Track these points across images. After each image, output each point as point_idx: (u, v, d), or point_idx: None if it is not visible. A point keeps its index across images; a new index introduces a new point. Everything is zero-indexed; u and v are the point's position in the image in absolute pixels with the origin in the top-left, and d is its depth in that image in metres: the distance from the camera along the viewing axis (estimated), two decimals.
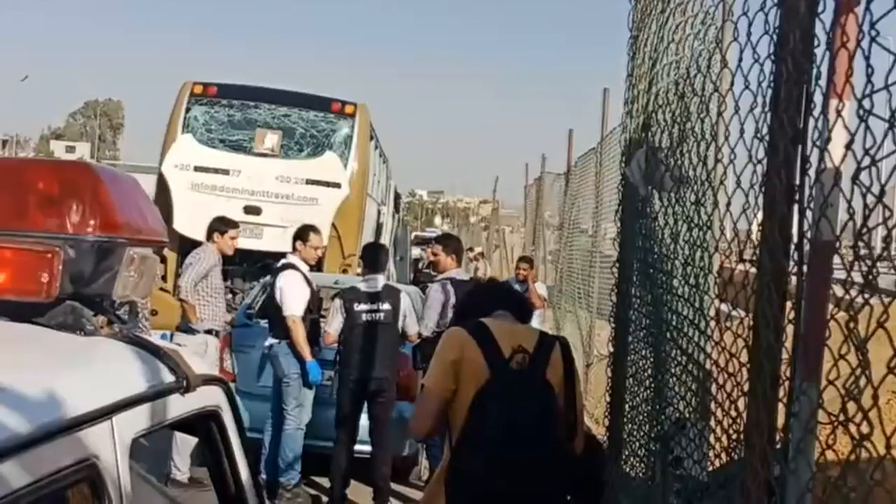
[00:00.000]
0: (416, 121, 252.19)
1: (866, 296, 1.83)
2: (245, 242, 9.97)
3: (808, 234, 2.23)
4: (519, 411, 3.80)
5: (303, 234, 8.21)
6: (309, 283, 7.99)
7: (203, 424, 2.40)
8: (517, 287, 13.12)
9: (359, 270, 8.85)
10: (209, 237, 8.33)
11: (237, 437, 2.51)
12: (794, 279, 2.28)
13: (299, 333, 7.69)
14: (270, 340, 7.94)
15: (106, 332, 2.25)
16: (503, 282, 4.91)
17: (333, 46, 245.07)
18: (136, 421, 1.96)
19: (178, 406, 2.17)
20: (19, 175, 2.35)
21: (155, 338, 2.86)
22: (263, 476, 7.72)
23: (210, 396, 2.36)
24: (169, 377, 2.15)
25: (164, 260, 11.90)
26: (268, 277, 8.74)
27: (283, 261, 8.21)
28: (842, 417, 1.86)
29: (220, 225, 8.41)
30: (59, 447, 1.68)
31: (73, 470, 1.71)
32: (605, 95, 11.80)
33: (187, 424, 2.31)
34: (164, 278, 12.26)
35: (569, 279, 15.05)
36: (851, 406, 1.82)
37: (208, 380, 2.34)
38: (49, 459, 1.65)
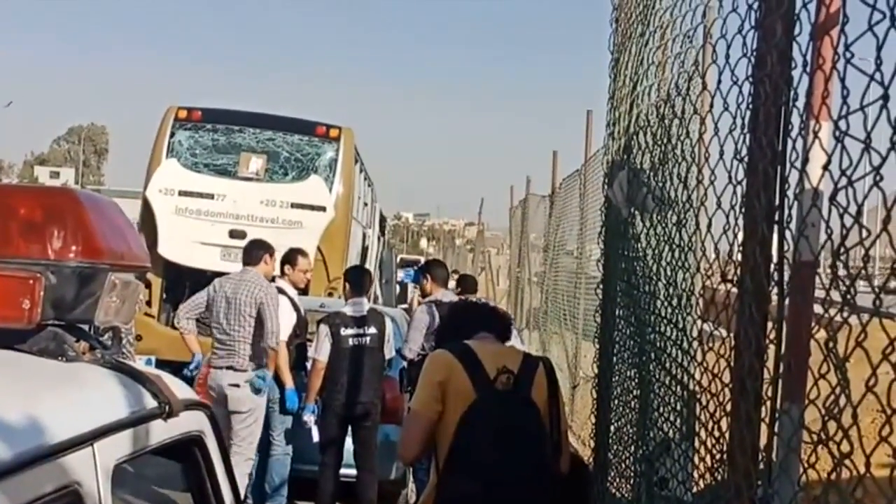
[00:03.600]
0: (401, 144, 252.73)
1: (845, 315, 1.84)
2: (231, 266, 9.93)
3: (789, 255, 2.25)
4: (505, 431, 3.81)
5: (291, 257, 8.20)
6: (296, 307, 7.98)
7: (186, 450, 2.39)
8: None
9: (343, 294, 8.82)
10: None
11: (221, 463, 2.50)
12: (774, 299, 2.29)
13: (282, 359, 7.67)
14: None
15: (88, 357, 2.24)
16: (483, 302, 4.84)
17: (317, 70, 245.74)
18: (118, 447, 1.95)
19: (161, 431, 2.17)
20: (1, 201, 2.34)
21: (139, 363, 2.86)
22: (249, 502, 7.68)
23: (193, 421, 2.36)
24: (151, 402, 2.14)
25: (148, 285, 11.92)
26: None
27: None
28: (823, 437, 1.87)
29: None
30: (40, 474, 1.67)
31: (55, 497, 1.70)
32: (588, 117, 11.86)
33: (170, 450, 2.30)
34: (148, 303, 12.22)
35: (554, 301, 15.07)
36: (832, 425, 1.83)
37: (191, 405, 2.33)
38: (30, 486, 1.64)
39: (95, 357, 2.26)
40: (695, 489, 3.29)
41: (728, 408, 2.47)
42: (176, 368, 7.39)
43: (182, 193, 12.33)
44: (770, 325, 2.28)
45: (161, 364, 9.23)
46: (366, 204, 16.76)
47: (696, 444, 3.11)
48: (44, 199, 2.36)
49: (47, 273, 2.19)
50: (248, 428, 7.39)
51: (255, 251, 7.81)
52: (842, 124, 1.80)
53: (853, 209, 1.78)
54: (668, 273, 3.49)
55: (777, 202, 2.25)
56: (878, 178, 1.69)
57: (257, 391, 7.37)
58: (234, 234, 12.14)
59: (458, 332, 4.17)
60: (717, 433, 2.69)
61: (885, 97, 1.67)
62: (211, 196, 12.39)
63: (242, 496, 7.41)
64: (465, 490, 3.76)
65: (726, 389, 2.51)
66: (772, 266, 2.28)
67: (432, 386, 3.86)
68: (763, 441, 2.28)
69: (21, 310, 2.16)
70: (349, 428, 7.74)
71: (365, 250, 16.83)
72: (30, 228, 2.24)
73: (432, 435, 3.87)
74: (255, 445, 7.51)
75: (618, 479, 4.57)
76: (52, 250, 2.21)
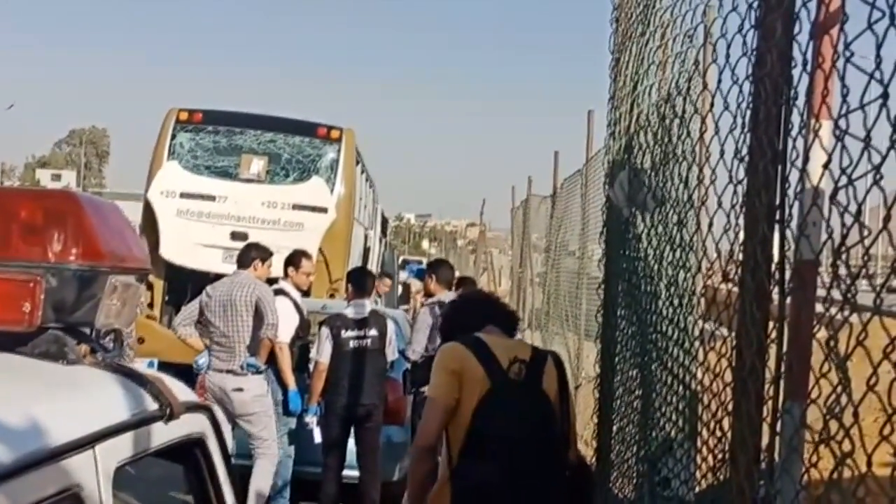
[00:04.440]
0: (403, 145, 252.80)
1: (846, 314, 1.84)
2: (232, 269, 9.94)
3: (790, 254, 2.25)
4: (521, 419, 3.81)
5: (294, 259, 8.20)
6: (299, 309, 7.98)
7: (188, 452, 2.39)
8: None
9: (344, 295, 8.81)
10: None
11: (223, 465, 2.50)
12: (776, 298, 2.29)
13: (285, 361, 7.67)
14: None
15: (89, 360, 2.24)
16: (492, 296, 4.77)
17: (319, 71, 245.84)
18: (119, 449, 1.95)
19: (163, 434, 2.17)
20: (1, 204, 2.34)
21: (140, 366, 2.85)
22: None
23: (195, 424, 2.36)
24: (152, 405, 2.14)
25: (150, 287, 11.92)
26: None
27: (274, 286, 8.18)
28: (824, 436, 1.86)
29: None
30: (41, 476, 1.67)
31: (56, 499, 1.70)
32: (589, 117, 11.84)
33: (172, 452, 2.30)
34: (150, 306, 12.22)
35: (556, 301, 15.05)
36: (834, 424, 1.82)
37: (192, 407, 2.33)
38: (31, 489, 1.64)
39: (96, 360, 2.26)
40: (697, 489, 3.29)
41: (730, 407, 2.47)
42: (178, 371, 7.34)
43: (183, 195, 12.34)
44: (771, 324, 2.28)
45: (163, 366, 9.22)
46: (367, 205, 16.77)
47: (698, 443, 3.11)
48: (44, 202, 2.36)
49: (48, 276, 2.19)
50: (264, 429, 7.41)
51: (247, 255, 7.84)
52: (842, 123, 1.80)
53: (853, 208, 1.78)
54: (670, 273, 3.49)
55: (778, 201, 2.25)
56: (878, 176, 1.69)
57: (244, 370, 7.40)
58: (235, 235, 12.15)
59: (465, 326, 4.16)
60: (718, 433, 2.68)
61: (885, 96, 1.67)
62: (212, 198, 12.40)
63: (268, 495, 7.45)
64: (483, 476, 3.74)
65: (728, 389, 2.50)
66: (773, 265, 2.28)
67: (448, 374, 3.87)
68: (765, 440, 2.28)
69: (22, 313, 2.16)
70: (352, 429, 7.74)
71: (367, 251, 16.84)
72: (30, 231, 2.24)
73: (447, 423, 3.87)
74: (276, 442, 7.52)
75: (620, 480, 4.57)
76: (52, 253, 2.21)
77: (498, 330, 4.16)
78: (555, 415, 3.94)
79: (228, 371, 7.41)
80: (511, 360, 3.89)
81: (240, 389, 7.38)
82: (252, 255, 7.81)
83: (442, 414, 3.87)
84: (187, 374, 7.60)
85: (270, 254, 7.95)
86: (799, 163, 2.20)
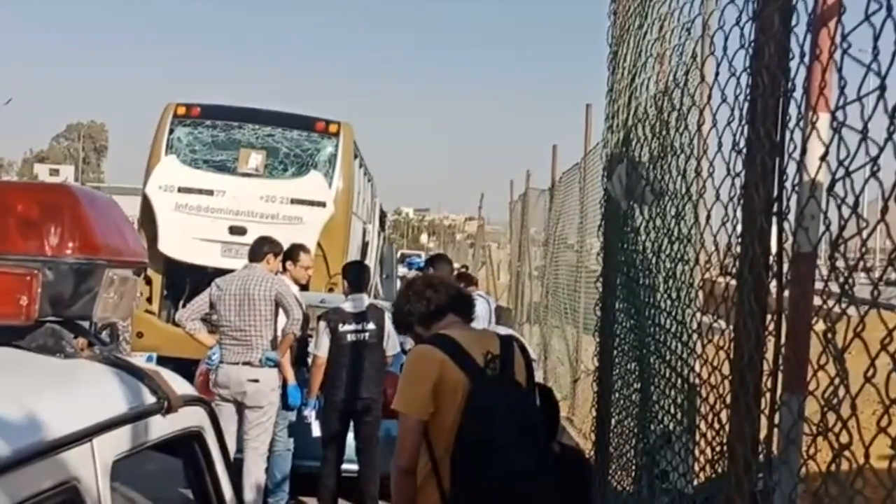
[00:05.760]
0: (401, 139, 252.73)
1: (843, 306, 1.84)
2: (231, 263, 9.94)
3: (788, 246, 2.24)
4: (511, 420, 3.76)
5: (293, 254, 8.19)
6: (298, 302, 7.98)
7: (185, 445, 2.39)
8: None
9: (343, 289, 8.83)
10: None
11: (221, 459, 2.50)
12: (774, 291, 2.29)
13: (285, 355, 7.67)
14: None
15: (86, 354, 2.25)
16: (443, 279, 4.35)
17: (317, 66, 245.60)
18: (116, 443, 1.96)
19: (160, 427, 2.17)
20: None
21: (138, 360, 2.86)
22: (270, 500, 7.70)
23: (192, 417, 2.36)
24: (150, 398, 2.14)
25: (149, 282, 11.92)
26: None
27: None
28: (822, 428, 1.87)
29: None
30: (38, 470, 1.67)
31: (53, 493, 1.70)
32: (587, 111, 11.83)
33: (169, 445, 2.30)
34: (149, 300, 12.22)
35: (555, 295, 15.05)
36: (832, 417, 1.83)
37: (190, 400, 2.33)
38: (29, 482, 1.64)
39: (94, 353, 2.26)
40: (695, 482, 3.29)
41: (728, 400, 2.47)
42: (177, 365, 7.32)
43: (182, 190, 12.33)
44: (769, 316, 2.27)
45: (162, 361, 9.22)
46: (365, 199, 16.76)
47: (697, 436, 3.11)
48: (41, 196, 2.36)
49: (45, 269, 2.19)
50: (264, 424, 7.41)
51: (260, 249, 7.79)
52: (839, 115, 1.80)
53: (851, 200, 1.78)
54: (668, 266, 3.49)
55: (775, 194, 2.25)
56: (875, 168, 1.68)
57: (262, 364, 7.40)
58: (234, 230, 12.15)
59: (425, 315, 4.08)
60: (717, 425, 2.68)
61: (883, 87, 1.67)
62: (210, 192, 12.40)
63: (262, 489, 7.44)
64: (487, 486, 3.68)
65: (726, 381, 2.50)
66: (770, 258, 2.28)
67: (425, 388, 3.75)
68: (763, 433, 2.28)
69: (19, 306, 2.16)
70: (350, 423, 7.75)
71: (365, 245, 16.84)
72: (27, 225, 2.24)
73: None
74: (269, 441, 7.52)
75: (619, 472, 4.57)
76: (49, 247, 2.21)
77: (459, 320, 4.08)
78: (534, 406, 3.92)
79: (245, 363, 7.40)
80: (485, 356, 3.80)
81: (256, 380, 7.38)
82: (265, 249, 7.78)
83: (419, 434, 3.74)
84: (186, 368, 7.60)
85: (282, 248, 7.93)
86: (797, 155, 2.19)
